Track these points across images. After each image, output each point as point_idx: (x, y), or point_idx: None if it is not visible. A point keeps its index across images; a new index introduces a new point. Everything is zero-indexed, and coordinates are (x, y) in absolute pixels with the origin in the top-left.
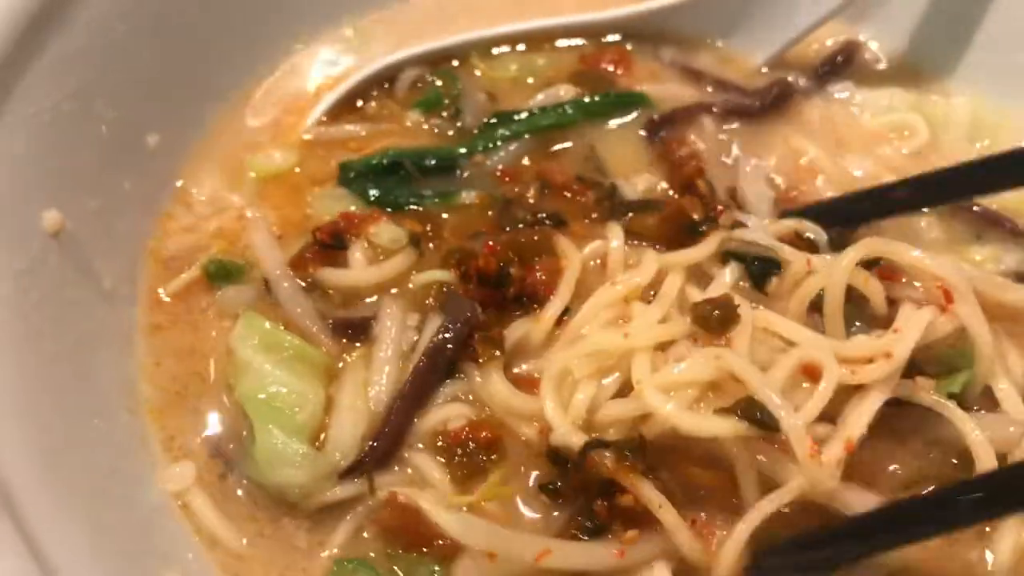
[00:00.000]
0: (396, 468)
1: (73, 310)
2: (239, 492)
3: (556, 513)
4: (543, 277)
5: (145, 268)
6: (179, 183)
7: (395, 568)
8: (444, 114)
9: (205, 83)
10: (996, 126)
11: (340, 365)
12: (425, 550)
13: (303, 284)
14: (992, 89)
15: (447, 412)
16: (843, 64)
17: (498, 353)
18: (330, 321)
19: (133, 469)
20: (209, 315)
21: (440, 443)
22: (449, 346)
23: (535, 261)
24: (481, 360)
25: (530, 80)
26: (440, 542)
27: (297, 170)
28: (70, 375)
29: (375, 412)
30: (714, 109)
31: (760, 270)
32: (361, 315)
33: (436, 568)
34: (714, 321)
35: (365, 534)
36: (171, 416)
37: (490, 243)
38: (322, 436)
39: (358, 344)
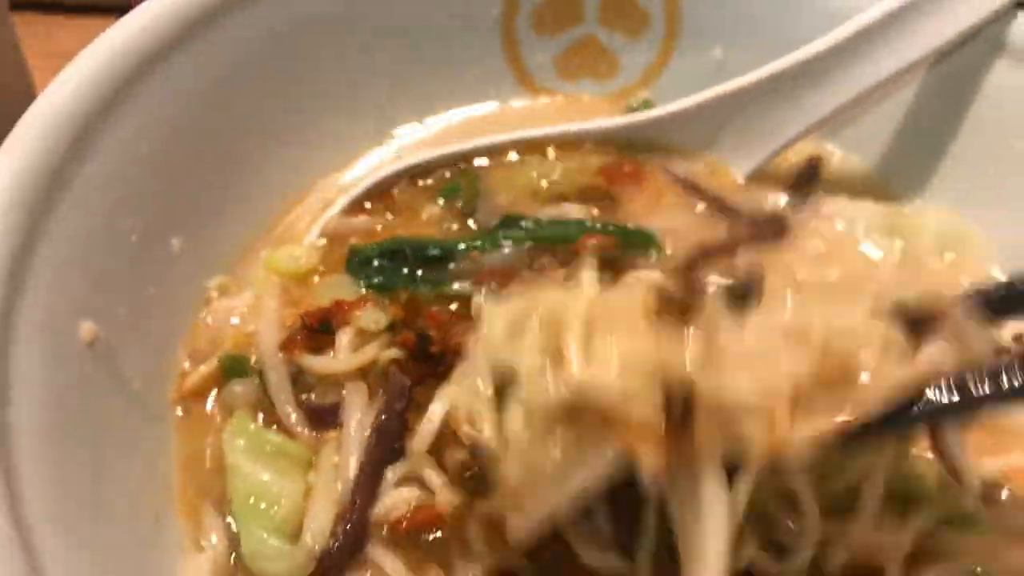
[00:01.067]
0: (362, 567)
1: (106, 418)
2: None
3: None
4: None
5: (171, 367)
6: (202, 282)
7: None
8: (460, 212)
9: (226, 187)
10: (963, 239)
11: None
12: None
13: (293, 370)
14: (959, 204)
15: (392, 501)
16: (810, 178)
17: None
18: (311, 409)
19: (158, 568)
20: (219, 412)
21: (390, 533)
22: (390, 425)
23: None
24: (412, 429)
25: (544, 184)
26: None
27: (315, 267)
28: (104, 484)
29: (343, 497)
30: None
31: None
32: (331, 401)
33: None
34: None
35: None
36: (196, 513)
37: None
38: (299, 529)
39: (332, 430)
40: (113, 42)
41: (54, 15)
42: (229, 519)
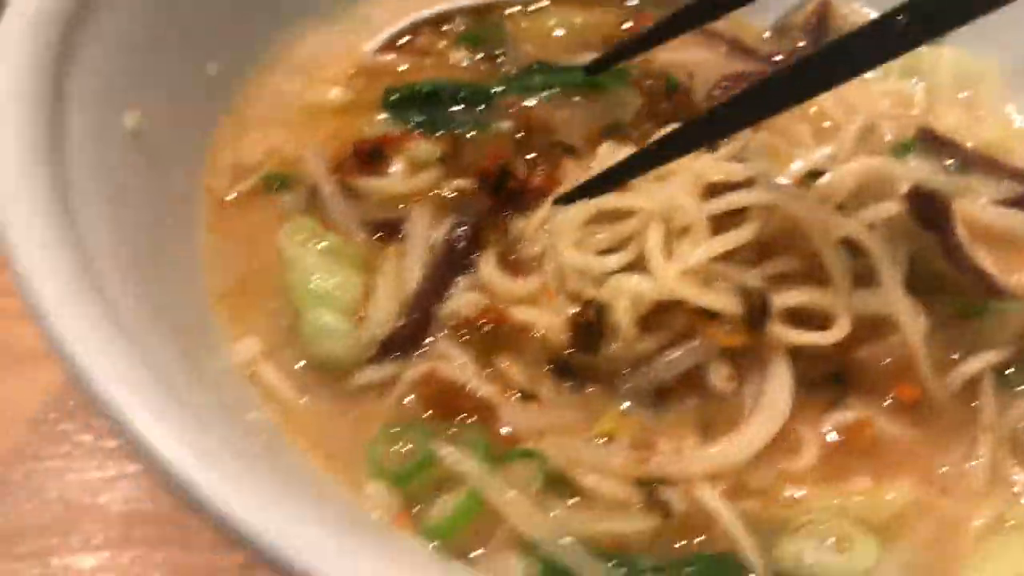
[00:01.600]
0: (424, 351)
1: (148, 202)
2: (295, 367)
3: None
4: (543, 179)
5: (209, 175)
6: (238, 107)
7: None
8: (487, 56)
9: (261, 20)
10: (978, 77)
11: (376, 260)
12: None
13: (344, 191)
14: (973, 42)
15: (460, 301)
16: (820, 23)
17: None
18: (368, 222)
19: (203, 340)
20: (265, 217)
21: (457, 329)
22: (461, 240)
23: (537, 168)
24: (487, 249)
25: (562, 33)
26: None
27: (347, 101)
28: (145, 253)
29: (406, 297)
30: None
31: None
32: (395, 216)
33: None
34: None
35: (408, 402)
36: (233, 302)
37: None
38: (360, 316)
39: (391, 242)
40: None
41: None
42: (265, 314)
